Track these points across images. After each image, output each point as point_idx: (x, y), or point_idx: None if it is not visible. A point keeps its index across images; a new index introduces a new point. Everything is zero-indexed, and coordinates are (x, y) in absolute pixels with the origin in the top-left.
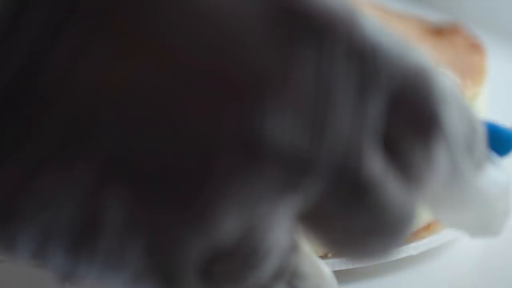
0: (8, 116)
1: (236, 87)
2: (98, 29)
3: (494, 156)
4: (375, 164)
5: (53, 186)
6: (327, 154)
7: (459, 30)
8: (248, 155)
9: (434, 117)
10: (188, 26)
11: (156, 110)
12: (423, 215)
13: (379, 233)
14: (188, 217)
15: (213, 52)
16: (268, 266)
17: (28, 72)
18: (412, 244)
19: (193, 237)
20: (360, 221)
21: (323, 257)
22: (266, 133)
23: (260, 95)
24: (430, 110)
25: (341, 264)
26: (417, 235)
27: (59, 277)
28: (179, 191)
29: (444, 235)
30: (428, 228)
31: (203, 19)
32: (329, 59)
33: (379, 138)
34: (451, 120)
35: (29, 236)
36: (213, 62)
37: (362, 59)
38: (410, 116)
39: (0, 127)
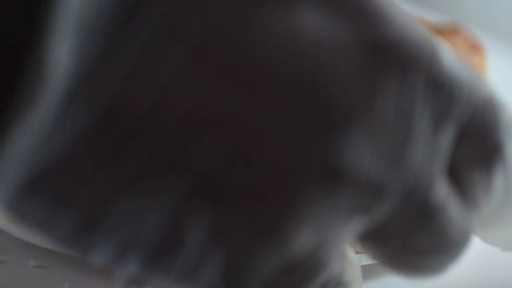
0: (103, 131)
1: (324, 115)
2: (197, 53)
3: None
4: (441, 189)
5: (139, 202)
6: (401, 181)
7: (459, 30)
8: (329, 182)
9: (499, 147)
10: (279, 55)
11: (244, 136)
12: None
13: (438, 253)
14: (266, 239)
15: (302, 81)
16: (324, 277)
17: (126, 90)
18: None
19: (268, 257)
20: (421, 241)
21: None
22: (348, 161)
23: (346, 124)
24: (496, 140)
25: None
26: None
27: (126, 282)
28: (260, 213)
29: None
30: None
31: (293, 47)
32: (410, 90)
33: (446, 165)
34: (511, 147)
35: (107, 247)
36: (302, 90)
37: (440, 90)
38: (477, 145)
39: (95, 141)
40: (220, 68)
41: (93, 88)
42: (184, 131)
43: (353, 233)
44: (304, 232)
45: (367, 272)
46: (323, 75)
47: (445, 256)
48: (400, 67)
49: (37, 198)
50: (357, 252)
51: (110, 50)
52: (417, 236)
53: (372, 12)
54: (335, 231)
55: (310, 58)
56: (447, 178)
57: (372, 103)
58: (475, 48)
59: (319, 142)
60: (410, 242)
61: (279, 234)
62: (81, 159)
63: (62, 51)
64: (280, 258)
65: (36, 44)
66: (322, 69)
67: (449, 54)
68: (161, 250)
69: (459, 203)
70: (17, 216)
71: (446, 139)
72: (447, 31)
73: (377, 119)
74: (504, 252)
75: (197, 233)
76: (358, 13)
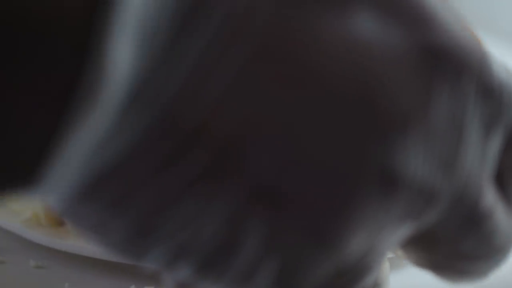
0: (162, 136)
1: (381, 122)
2: (256, 58)
3: None
4: (489, 195)
5: (197, 207)
6: (452, 187)
7: None
8: (383, 188)
9: None
10: (336, 62)
11: (300, 142)
12: None
13: (484, 258)
14: (321, 243)
15: (358, 87)
16: (368, 280)
17: (186, 94)
18: None
19: (321, 261)
20: (468, 247)
21: None
22: (403, 166)
23: (402, 130)
24: None
25: None
26: None
27: (176, 285)
28: (315, 218)
29: None
30: None
31: (350, 53)
32: (462, 96)
33: (493, 170)
34: None
35: (161, 252)
36: (358, 97)
37: (490, 96)
38: None
39: (154, 146)
40: (278, 75)
41: (152, 91)
42: (242, 137)
43: (401, 238)
44: (357, 237)
45: None
46: (379, 82)
47: (491, 261)
48: (453, 72)
49: (93, 203)
50: None
51: (170, 52)
52: (465, 241)
53: (424, 15)
54: (385, 236)
55: (366, 65)
56: (494, 184)
57: (427, 109)
58: None
59: (375, 148)
60: (457, 247)
61: (333, 239)
62: (139, 163)
63: (123, 53)
64: (333, 263)
65: (96, 46)
66: (378, 75)
67: (497, 60)
68: (216, 256)
69: (505, 209)
70: (71, 220)
71: (496, 143)
72: None
73: (431, 125)
74: None
75: (253, 239)
76: (411, 17)
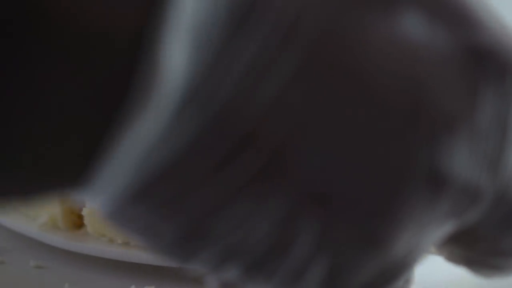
0: (215, 137)
1: (428, 122)
2: (309, 59)
3: None
4: None
5: (249, 209)
6: (496, 186)
7: None
8: (431, 189)
9: None
10: (385, 62)
11: (351, 143)
12: None
13: None
14: (370, 244)
15: (407, 89)
16: (405, 276)
17: (239, 96)
18: None
19: (369, 261)
20: (507, 244)
21: None
22: (449, 167)
23: (449, 131)
24: None
25: None
26: None
27: (220, 285)
28: (365, 219)
29: None
30: None
31: (398, 53)
32: (506, 95)
33: None
34: None
35: (210, 254)
36: (407, 98)
37: None
38: None
39: (207, 148)
40: (327, 79)
41: (206, 93)
42: (294, 139)
43: (442, 236)
44: (404, 236)
45: None
46: (425, 83)
47: None
48: (497, 72)
49: (143, 205)
50: None
51: (224, 55)
52: (504, 239)
53: (469, 16)
54: (429, 234)
55: (413, 67)
56: None
57: (472, 109)
58: None
59: (423, 149)
60: (495, 245)
61: (382, 239)
62: (191, 166)
63: (177, 55)
64: (380, 262)
65: (151, 48)
66: (425, 77)
67: None
68: (267, 256)
69: None
70: (118, 223)
71: None
72: None
73: (476, 125)
74: None
75: (304, 239)
76: (455, 17)
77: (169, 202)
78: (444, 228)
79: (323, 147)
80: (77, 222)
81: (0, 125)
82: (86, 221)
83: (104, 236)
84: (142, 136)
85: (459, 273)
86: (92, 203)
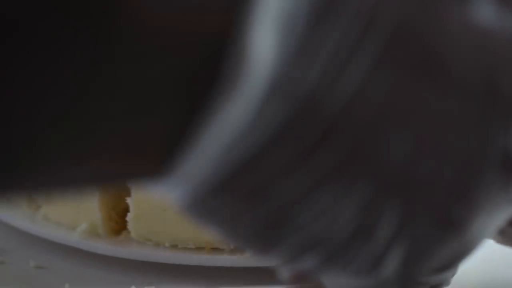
0: (299, 127)
1: (502, 109)
2: (389, 48)
3: None
4: None
5: (332, 198)
6: None
7: None
8: (505, 173)
9: None
10: (462, 50)
11: (432, 130)
12: None
13: None
14: (448, 229)
15: (484, 74)
16: None
17: (322, 86)
18: None
19: (446, 246)
20: None
21: None
22: None
23: None
24: None
25: None
26: None
27: (293, 277)
28: (444, 204)
29: None
30: None
31: (473, 40)
32: None
33: None
34: None
35: (291, 244)
36: (483, 84)
37: None
38: None
39: (292, 138)
40: (410, 64)
41: (292, 82)
42: (377, 126)
43: (507, 218)
44: (479, 220)
45: None
46: (501, 66)
47: None
48: None
49: (227, 196)
50: None
51: (309, 43)
52: None
53: None
54: (499, 217)
55: (488, 50)
56: None
57: None
58: None
59: (499, 132)
60: None
61: (460, 223)
62: (277, 155)
63: (264, 43)
64: (455, 246)
65: (239, 36)
66: (500, 60)
67: None
68: (348, 244)
69: None
70: (198, 214)
71: None
72: None
73: None
74: None
75: (385, 225)
76: None
77: (253, 192)
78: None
79: (405, 133)
80: (115, 228)
81: (102, 109)
82: (130, 226)
83: (150, 240)
84: (229, 125)
85: (463, 273)
86: (169, 196)
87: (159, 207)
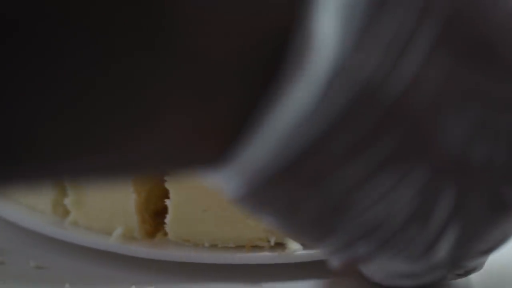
0: (360, 111)
1: None
2: (447, 30)
3: None
4: None
5: (391, 182)
6: None
7: None
8: None
9: None
10: (508, 28)
11: (487, 111)
12: None
13: None
14: (501, 211)
15: None
16: None
17: (382, 70)
18: None
19: (498, 226)
20: None
21: None
22: None
23: None
24: None
25: None
26: None
27: (342, 264)
28: (499, 185)
29: None
30: None
31: None
32: None
33: None
34: None
35: (349, 229)
36: None
37: None
38: None
39: (352, 122)
40: (464, 51)
41: (353, 67)
42: (434, 111)
43: None
44: None
45: None
46: None
47: None
48: None
49: (288, 183)
50: None
51: (368, 31)
52: None
53: None
54: None
55: None
56: None
57: None
58: None
59: None
60: None
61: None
62: (339, 140)
63: (327, 30)
64: (506, 228)
65: (302, 20)
66: None
67: None
68: (403, 230)
69: None
70: (255, 203)
71: None
72: None
73: None
74: None
75: (441, 209)
76: None
77: (314, 179)
78: None
79: (461, 117)
80: (149, 231)
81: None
82: (168, 228)
83: (188, 241)
84: (292, 110)
85: None
86: (223, 187)
87: (199, 208)
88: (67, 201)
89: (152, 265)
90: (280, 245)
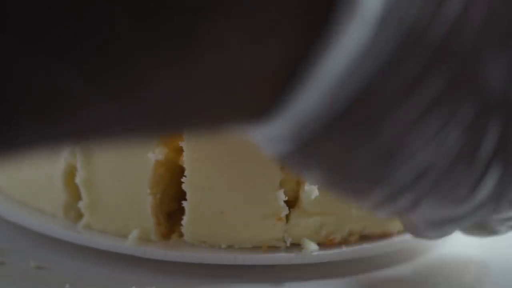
0: (408, 54)
1: None
2: None
3: None
4: None
5: (439, 122)
6: None
7: None
8: None
9: None
10: None
11: None
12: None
13: None
14: None
15: None
16: None
17: (427, 11)
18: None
19: None
20: None
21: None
22: None
23: None
24: None
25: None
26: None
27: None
28: None
29: None
30: None
31: None
32: None
33: None
34: None
35: (397, 178)
36: None
37: None
38: None
39: (401, 65)
40: None
41: (400, 9)
42: (477, 50)
43: None
44: None
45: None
46: None
47: None
48: None
49: (339, 131)
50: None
51: None
52: None
53: None
54: None
55: None
56: None
57: None
58: None
59: None
60: None
61: None
62: (389, 84)
63: None
64: None
65: None
66: None
67: None
68: (449, 172)
69: None
70: (301, 159)
71: None
72: None
73: None
74: None
75: (486, 148)
76: None
77: (366, 125)
78: None
79: (503, 55)
80: (164, 232)
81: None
82: (184, 229)
83: (205, 242)
84: (344, 55)
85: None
86: (265, 145)
87: (217, 209)
88: (81, 204)
89: (153, 266)
90: (296, 246)
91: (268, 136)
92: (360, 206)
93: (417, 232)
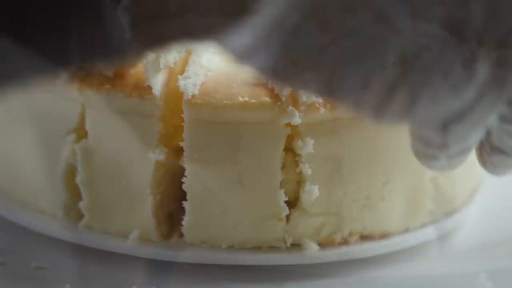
0: None
1: None
2: None
3: None
4: None
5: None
6: None
7: None
8: None
9: None
10: None
11: None
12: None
13: None
14: None
15: None
16: None
17: None
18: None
19: None
20: None
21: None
22: None
23: None
24: None
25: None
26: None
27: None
28: None
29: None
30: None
31: None
32: None
33: None
34: None
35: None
36: None
37: None
38: None
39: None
40: None
41: None
42: None
43: None
44: None
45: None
46: None
47: None
48: None
49: (307, 32)
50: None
51: None
52: None
53: None
54: None
55: None
56: None
57: None
58: None
59: None
60: None
61: None
62: None
63: None
64: None
65: None
66: None
67: None
68: (441, 55)
69: None
70: (288, 71)
71: None
72: None
73: None
74: None
75: (474, 20)
76: None
77: (337, 19)
78: None
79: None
80: (164, 233)
81: None
82: (185, 230)
83: (205, 243)
84: None
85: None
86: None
87: (217, 209)
88: (81, 204)
89: (153, 266)
90: (296, 246)
91: (244, 47)
92: (361, 114)
93: (432, 146)
